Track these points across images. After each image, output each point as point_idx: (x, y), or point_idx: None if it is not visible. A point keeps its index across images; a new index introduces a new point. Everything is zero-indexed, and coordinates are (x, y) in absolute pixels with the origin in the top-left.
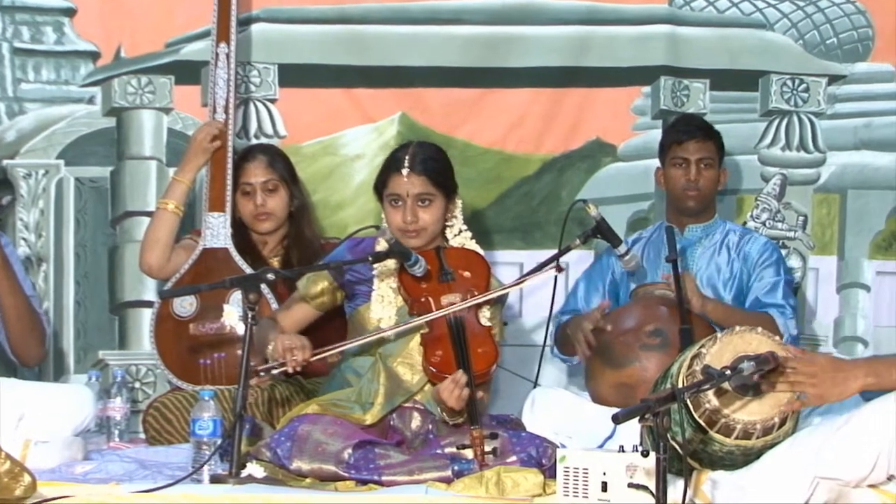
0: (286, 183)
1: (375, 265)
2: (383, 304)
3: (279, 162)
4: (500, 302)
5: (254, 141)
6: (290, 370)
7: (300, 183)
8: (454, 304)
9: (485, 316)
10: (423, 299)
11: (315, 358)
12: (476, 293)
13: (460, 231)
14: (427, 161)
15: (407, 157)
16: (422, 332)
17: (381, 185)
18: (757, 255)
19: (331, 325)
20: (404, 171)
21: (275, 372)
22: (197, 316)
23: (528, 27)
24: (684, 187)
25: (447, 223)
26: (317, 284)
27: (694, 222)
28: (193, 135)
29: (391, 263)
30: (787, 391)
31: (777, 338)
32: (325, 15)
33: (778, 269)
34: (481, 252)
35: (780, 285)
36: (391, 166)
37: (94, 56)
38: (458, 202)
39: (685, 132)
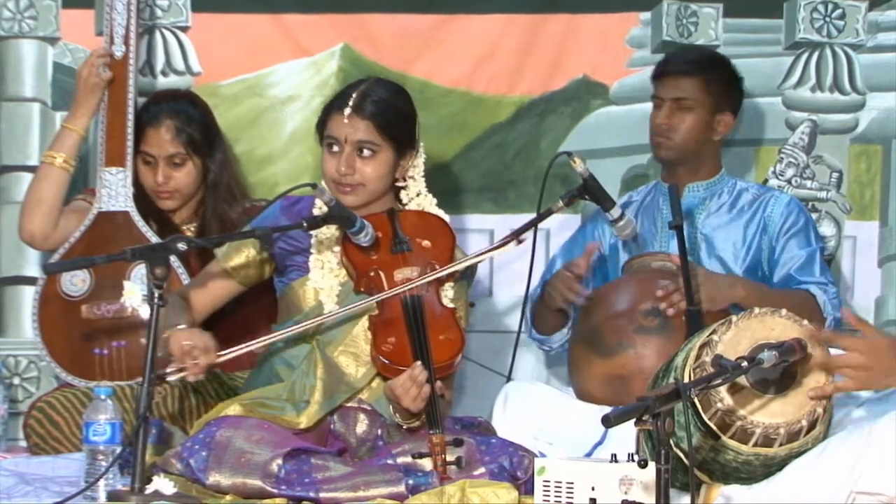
0: (199, 155)
1: (314, 232)
2: (324, 272)
3: (192, 128)
4: (466, 278)
5: (160, 80)
6: (192, 378)
7: (223, 149)
8: (410, 279)
9: (447, 295)
10: (372, 274)
11: (223, 359)
12: (438, 267)
13: (419, 193)
14: (378, 103)
15: (354, 95)
16: (371, 314)
17: (321, 125)
18: (780, 220)
19: (256, 305)
20: (346, 111)
21: (171, 379)
22: (91, 295)
23: None
24: (652, 132)
25: (400, 184)
26: (240, 253)
27: (693, 179)
28: (78, 72)
29: (332, 230)
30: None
31: (805, 322)
32: None
33: (808, 236)
34: (445, 217)
35: (815, 257)
36: (334, 103)
37: None
38: (420, 160)
39: (663, 65)
